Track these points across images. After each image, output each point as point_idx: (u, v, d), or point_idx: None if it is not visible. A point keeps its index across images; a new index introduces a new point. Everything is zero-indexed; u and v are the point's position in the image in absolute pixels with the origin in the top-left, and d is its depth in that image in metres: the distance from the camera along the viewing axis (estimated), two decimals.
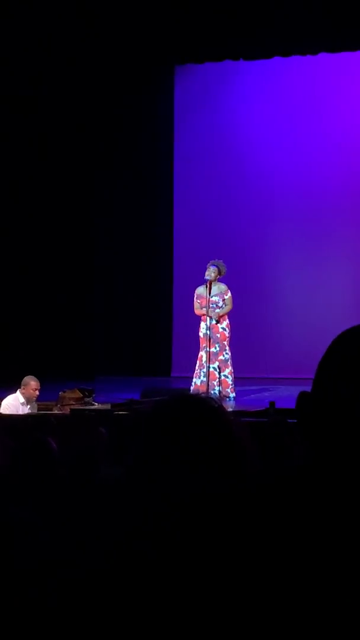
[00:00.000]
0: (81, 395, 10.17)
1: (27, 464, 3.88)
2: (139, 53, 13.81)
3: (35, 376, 9.64)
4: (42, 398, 10.26)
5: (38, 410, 9.68)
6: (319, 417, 1.28)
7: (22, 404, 9.43)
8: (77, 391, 10.23)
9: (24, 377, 9.59)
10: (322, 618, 1.19)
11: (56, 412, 9.69)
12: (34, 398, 9.54)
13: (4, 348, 13.46)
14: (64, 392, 10.21)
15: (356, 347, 1.30)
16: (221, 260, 11.17)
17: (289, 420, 5.82)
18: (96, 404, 10.12)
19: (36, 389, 9.50)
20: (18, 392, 9.51)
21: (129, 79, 14.37)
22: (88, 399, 10.17)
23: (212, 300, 10.99)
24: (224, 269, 11.11)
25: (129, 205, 14.78)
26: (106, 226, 14.89)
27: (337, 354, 1.31)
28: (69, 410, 9.62)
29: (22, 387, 9.50)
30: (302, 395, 1.34)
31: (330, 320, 12.82)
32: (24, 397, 9.46)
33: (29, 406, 9.49)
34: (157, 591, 1.32)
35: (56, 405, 10.07)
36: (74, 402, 10.02)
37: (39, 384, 9.52)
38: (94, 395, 10.34)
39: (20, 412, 9.24)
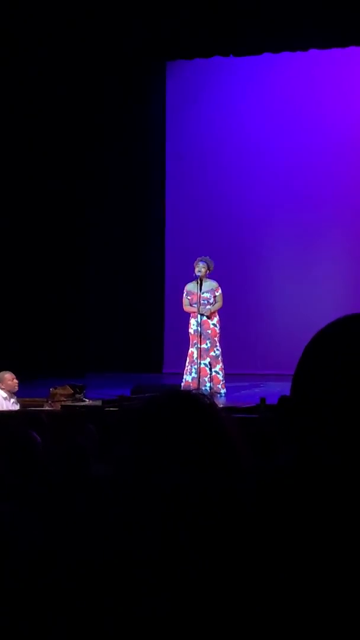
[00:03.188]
0: (72, 391, 10.18)
1: (11, 458, 3.88)
2: (130, 49, 13.79)
3: (27, 372, 9.67)
4: (33, 394, 10.26)
5: (28, 406, 9.70)
6: (299, 418, 1.29)
7: (5, 398, 9.47)
8: (68, 387, 10.24)
9: None
10: (317, 616, 1.20)
11: (47, 408, 9.70)
12: (16, 388, 9.58)
13: None
14: (55, 388, 10.22)
15: (330, 347, 1.30)
16: (207, 257, 11.20)
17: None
18: (87, 400, 10.13)
19: (13, 379, 9.56)
20: None
21: (120, 75, 14.36)
22: (79, 395, 10.18)
23: (204, 296, 11.00)
24: (212, 265, 11.14)
25: (120, 201, 14.78)
26: (98, 223, 14.87)
27: (313, 355, 1.32)
28: (59, 406, 9.63)
29: None
30: (283, 399, 1.34)
31: (322, 317, 12.78)
32: (6, 391, 9.50)
33: (12, 400, 9.52)
34: (149, 587, 1.32)
35: (47, 401, 10.08)
36: (65, 399, 10.03)
37: (13, 374, 9.57)
38: (85, 391, 10.35)
39: (5, 408, 9.27)
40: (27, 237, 14.20)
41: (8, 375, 9.56)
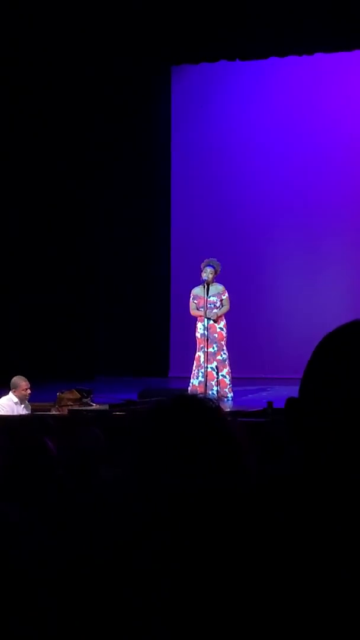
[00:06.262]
0: (79, 395, 10.18)
1: (25, 465, 3.88)
2: (135, 54, 13.81)
3: (34, 376, 9.66)
4: (41, 399, 10.27)
5: (36, 411, 9.70)
6: (306, 421, 1.29)
7: (16, 403, 9.48)
8: (76, 392, 10.24)
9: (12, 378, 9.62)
10: (319, 617, 1.20)
11: (54, 412, 9.70)
12: (27, 397, 9.59)
13: (3, 348, 13.46)
14: (62, 392, 10.22)
15: (339, 350, 1.30)
16: (214, 259, 11.19)
17: None
18: (94, 404, 10.13)
19: (27, 388, 9.55)
20: (10, 393, 9.54)
21: (125, 80, 14.38)
22: (86, 399, 10.18)
23: (210, 300, 10.99)
24: (219, 268, 11.12)
25: (126, 205, 14.79)
26: (104, 227, 14.89)
27: (321, 358, 1.32)
28: (67, 411, 9.63)
29: (12, 389, 9.53)
30: (290, 401, 1.34)
31: (328, 320, 12.78)
32: (17, 397, 9.50)
33: (22, 405, 9.53)
34: (157, 590, 1.33)
35: (54, 406, 10.08)
36: (72, 403, 10.03)
37: (28, 382, 9.57)
38: (92, 395, 10.35)
39: (16, 412, 9.28)
40: (36, 240, 14.23)
41: (24, 384, 9.55)
